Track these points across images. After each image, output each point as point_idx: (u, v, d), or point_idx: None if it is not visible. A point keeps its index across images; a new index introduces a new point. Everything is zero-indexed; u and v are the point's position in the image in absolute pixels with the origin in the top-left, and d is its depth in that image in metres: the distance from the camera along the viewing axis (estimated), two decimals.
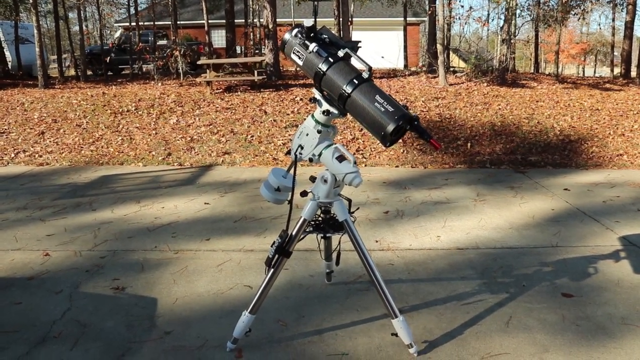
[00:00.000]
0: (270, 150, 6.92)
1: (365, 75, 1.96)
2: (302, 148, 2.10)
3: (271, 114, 8.14)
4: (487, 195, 5.02)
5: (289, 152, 2.19)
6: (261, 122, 7.82)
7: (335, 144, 2.08)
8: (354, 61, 2.04)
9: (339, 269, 3.06)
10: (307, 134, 2.09)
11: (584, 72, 28.40)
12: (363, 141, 7.23)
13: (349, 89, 1.91)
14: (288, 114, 8.15)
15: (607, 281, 3.04)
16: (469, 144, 7.14)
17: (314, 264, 3.25)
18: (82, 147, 7.08)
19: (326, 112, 2.02)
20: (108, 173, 5.98)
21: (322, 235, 2.30)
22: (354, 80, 1.92)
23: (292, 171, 2.16)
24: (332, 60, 1.96)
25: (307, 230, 2.24)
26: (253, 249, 3.50)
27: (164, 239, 3.71)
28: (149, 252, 3.49)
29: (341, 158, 2.05)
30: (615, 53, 18.12)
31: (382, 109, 1.87)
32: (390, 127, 1.87)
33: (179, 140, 7.27)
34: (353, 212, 2.26)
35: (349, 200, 2.21)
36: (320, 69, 1.97)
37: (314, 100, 2.06)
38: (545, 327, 2.51)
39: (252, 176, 5.73)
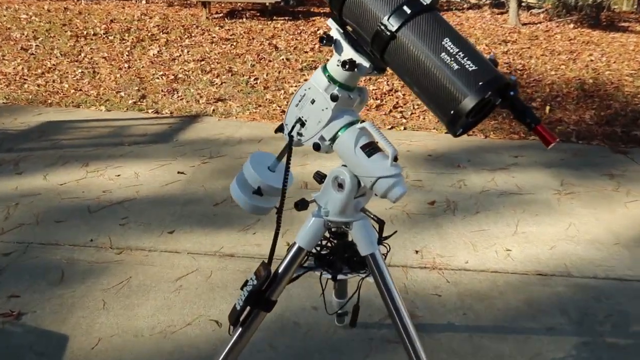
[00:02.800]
0: (279, 99, 6.41)
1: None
2: (302, 125, 1.55)
3: (284, 51, 7.65)
4: (575, 185, 4.37)
5: (280, 129, 1.63)
6: (270, 61, 7.34)
7: (363, 121, 1.50)
8: None
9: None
10: (314, 101, 1.52)
11: None
12: (403, 94, 6.63)
13: (393, 24, 1.34)
14: (306, 52, 7.63)
15: None
16: (547, 108, 6.49)
17: (319, 288, 2.60)
18: (25, 80, 6.56)
19: (349, 64, 1.42)
20: (55, 118, 5.43)
21: (330, 275, 1.66)
22: (404, 8, 1.34)
23: (284, 161, 1.62)
24: None
25: (305, 265, 1.70)
26: (233, 254, 3.01)
27: (108, 228, 3.23)
28: (78, 250, 2.96)
29: (371, 148, 1.49)
30: None
31: (455, 66, 1.29)
32: (470, 102, 1.27)
33: (158, 78, 6.79)
34: (385, 240, 1.61)
35: (381, 222, 1.55)
36: None
37: (327, 40, 1.45)
38: None
39: (251, 134, 5.27)
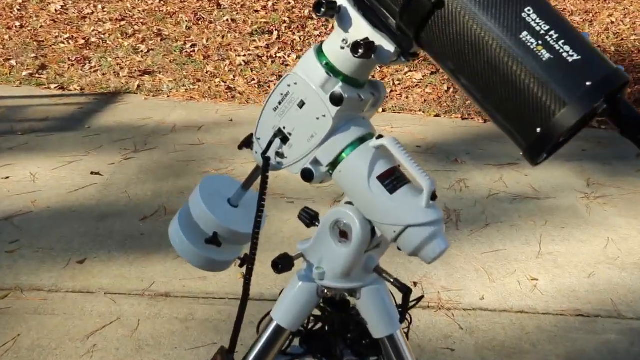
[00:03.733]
0: (223, 72, 6.28)
1: None
2: (284, 140, 1.28)
3: (228, 9, 7.48)
4: (606, 185, 4.31)
5: (247, 144, 1.36)
6: (210, 22, 7.18)
7: (381, 136, 1.24)
8: None
9: None
10: (303, 104, 1.25)
11: None
12: (379, 66, 6.52)
13: None
14: (257, 11, 7.46)
15: None
16: None
17: None
18: None
19: (364, 48, 1.14)
20: None
21: None
22: None
23: (254, 190, 1.41)
24: None
25: (288, 352, 1.44)
26: (169, 292, 2.83)
27: None
28: None
29: (394, 179, 1.23)
30: None
31: (546, 55, 1.02)
32: (572, 114, 0.99)
33: (63, 42, 6.54)
34: (410, 308, 1.34)
35: (405, 290, 1.29)
36: None
37: (327, 9, 1.17)
38: None
39: (188, 118, 5.19)
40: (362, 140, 1.21)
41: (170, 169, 4.09)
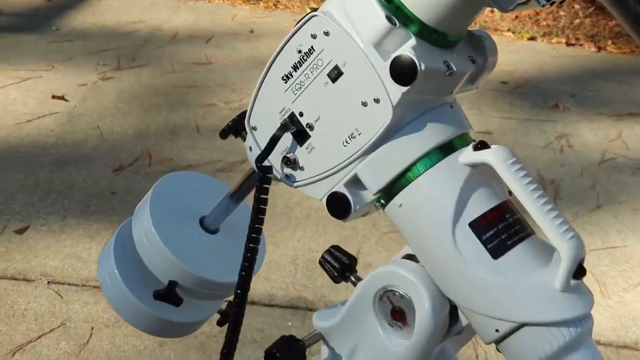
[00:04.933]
0: None
1: None
2: (300, 137, 1.05)
3: None
4: None
5: (235, 131, 1.17)
6: None
7: (483, 144, 0.98)
8: None
9: None
10: (338, 74, 1.00)
11: None
12: None
13: None
14: None
15: None
16: None
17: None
18: None
19: None
20: None
21: None
22: None
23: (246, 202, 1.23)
24: None
25: None
26: None
27: None
28: None
29: (502, 229, 0.97)
30: None
31: None
32: None
33: None
34: None
35: None
36: None
37: None
38: None
39: (194, 25, 5.25)
40: (446, 149, 0.96)
41: (162, 97, 4.07)
